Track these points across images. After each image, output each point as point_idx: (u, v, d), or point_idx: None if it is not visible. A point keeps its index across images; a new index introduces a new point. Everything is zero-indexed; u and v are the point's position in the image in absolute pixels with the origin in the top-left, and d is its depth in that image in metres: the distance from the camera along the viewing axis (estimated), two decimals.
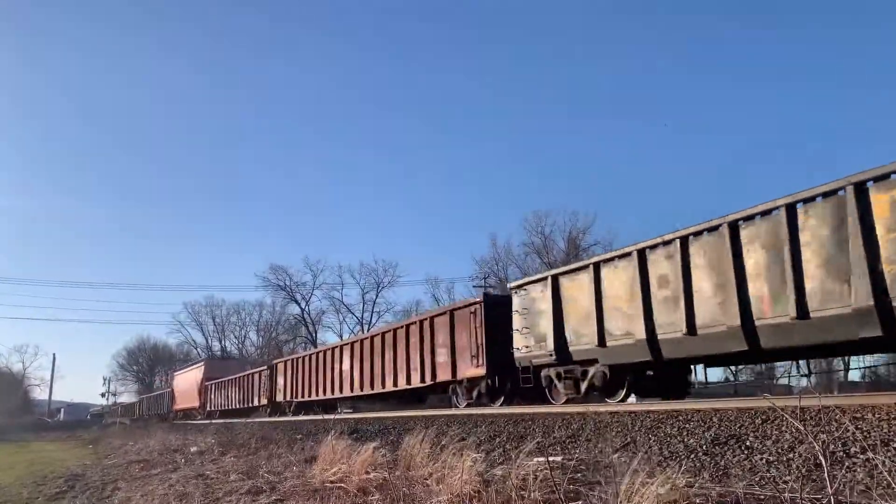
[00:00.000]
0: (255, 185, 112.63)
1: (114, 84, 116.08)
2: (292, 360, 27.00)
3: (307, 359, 24.89)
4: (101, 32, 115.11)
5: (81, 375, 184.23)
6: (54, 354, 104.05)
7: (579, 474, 5.48)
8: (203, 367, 42.15)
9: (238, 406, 32.31)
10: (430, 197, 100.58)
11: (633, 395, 11.89)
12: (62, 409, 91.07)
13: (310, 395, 23.85)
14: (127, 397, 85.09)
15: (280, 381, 27.29)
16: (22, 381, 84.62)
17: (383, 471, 6.83)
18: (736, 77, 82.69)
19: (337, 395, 21.52)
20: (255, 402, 29.77)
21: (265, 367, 29.81)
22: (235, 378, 33.60)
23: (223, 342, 79.23)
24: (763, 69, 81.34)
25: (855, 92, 74.23)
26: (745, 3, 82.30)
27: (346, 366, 20.77)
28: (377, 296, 65.20)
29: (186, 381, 45.15)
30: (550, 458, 5.37)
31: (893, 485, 3.62)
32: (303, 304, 67.56)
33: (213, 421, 29.06)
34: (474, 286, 50.17)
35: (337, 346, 22.67)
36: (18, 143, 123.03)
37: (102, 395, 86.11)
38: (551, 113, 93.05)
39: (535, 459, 5.38)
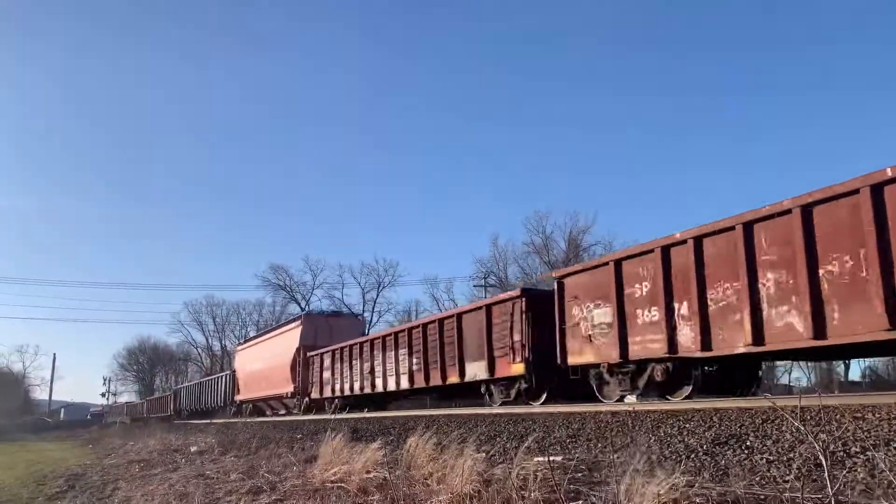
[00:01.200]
0: (255, 185, 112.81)
1: (113, 84, 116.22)
2: (665, 247, 9.59)
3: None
4: (100, 31, 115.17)
5: (81, 375, 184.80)
6: (54, 354, 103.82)
7: (580, 474, 5.48)
8: (300, 328, 25.77)
9: (407, 385, 16.37)
10: (430, 196, 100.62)
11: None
12: (62, 409, 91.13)
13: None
14: (127, 396, 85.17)
15: (588, 316, 10.84)
16: (22, 381, 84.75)
17: (384, 470, 6.83)
18: (740, 79, 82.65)
19: None
20: (476, 375, 13.82)
21: (507, 299, 13.30)
22: (403, 331, 17.19)
23: (223, 342, 79.24)
24: (770, 72, 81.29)
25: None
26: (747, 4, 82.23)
27: None
28: (378, 295, 65.05)
29: (265, 356, 28.65)
30: (551, 458, 5.37)
31: (894, 484, 3.62)
32: (303, 304, 67.52)
33: (209, 421, 28.85)
34: (475, 286, 50.16)
35: None
36: (18, 143, 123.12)
37: (103, 394, 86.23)
38: (552, 112, 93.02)
39: (536, 459, 5.38)
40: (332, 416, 15.84)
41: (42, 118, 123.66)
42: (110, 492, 10.50)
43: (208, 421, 29.03)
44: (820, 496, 3.70)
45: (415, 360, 16.02)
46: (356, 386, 19.44)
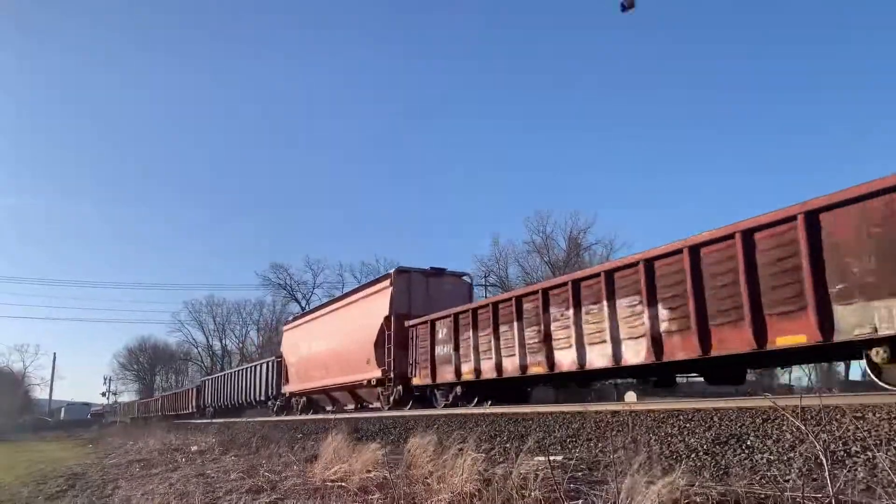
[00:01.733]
0: (256, 184, 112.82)
1: (113, 84, 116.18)
2: None
3: None
4: (100, 31, 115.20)
5: (81, 375, 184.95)
6: (55, 354, 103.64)
7: (580, 473, 5.49)
8: (390, 290, 17.97)
9: (644, 359, 9.12)
10: (430, 196, 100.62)
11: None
12: (62, 409, 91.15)
13: None
14: (127, 396, 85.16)
15: None
16: (22, 381, 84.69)
17: (384, 469, 6.83)
18: (741, 78, 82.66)
19: None
20: (879, 327, 6.48)
21: None
22: (626, 268, 9.58)
23: (223, 341, 79.22)
24: (772, 70, 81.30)
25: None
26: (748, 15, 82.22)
27: None
28: None
29: (333, 332, 21.41)
30: (551, 458, 5.38)
31: (895, 484, 3.62)
32: (303, 303, 67.53)
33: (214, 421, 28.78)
34: (475, 285, 50.04)
35: None
36: (18, 143, 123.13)
37: (103, 394, 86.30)
38: (553, 112, 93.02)
39: (536, 459, 5.38)
40: (333, 416, 15.38)
41: (42, 118, 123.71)
42: (111, 491, 10.51)
43: (209, 421, 28.99)
44: (820, 496, 3.70)
45: (663, 313, 9.05)
46: (508, 364, 12.16)
